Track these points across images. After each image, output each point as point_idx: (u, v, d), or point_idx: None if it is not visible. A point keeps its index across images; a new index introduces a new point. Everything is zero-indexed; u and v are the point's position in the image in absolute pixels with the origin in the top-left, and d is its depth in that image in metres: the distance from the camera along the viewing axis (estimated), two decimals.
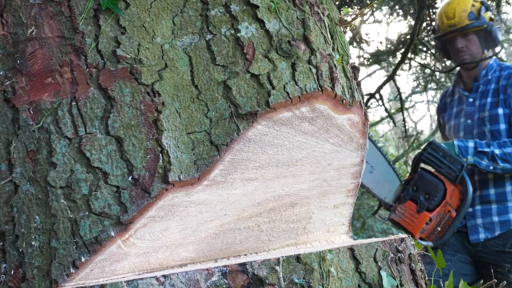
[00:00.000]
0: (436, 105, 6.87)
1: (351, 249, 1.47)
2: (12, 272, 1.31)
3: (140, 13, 1.42)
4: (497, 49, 3.47)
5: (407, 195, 3.18)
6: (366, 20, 8.17)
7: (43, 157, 1.34)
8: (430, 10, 6.25)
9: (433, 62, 7.43)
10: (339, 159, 1.72)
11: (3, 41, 1.38)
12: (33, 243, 1.31)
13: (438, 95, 11.05)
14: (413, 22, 6.56)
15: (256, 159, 1.49)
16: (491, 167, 3.12)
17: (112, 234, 1.31)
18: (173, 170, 1.36)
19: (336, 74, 1.59)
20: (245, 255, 1.59)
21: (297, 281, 1.33)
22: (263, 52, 1.48)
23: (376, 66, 8.92)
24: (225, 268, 1.28)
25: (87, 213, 1.31)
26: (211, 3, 1.48)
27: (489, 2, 6.78)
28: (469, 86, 3.51)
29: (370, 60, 7.54)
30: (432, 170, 3.21)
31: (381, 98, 7.12)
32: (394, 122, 7.59)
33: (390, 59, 7.68)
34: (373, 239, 1.61)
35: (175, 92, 1.41)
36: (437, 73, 7.74)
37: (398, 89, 6.96)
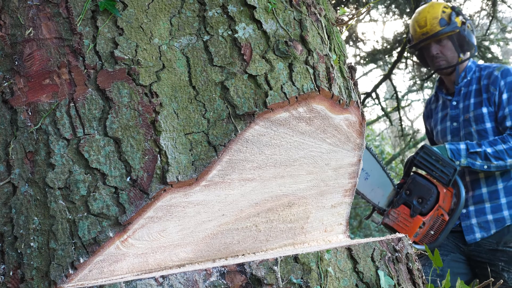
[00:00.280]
0: None
1: (349, 249, 1.47)
2: (10, 273, 1.31)
3: (138, 14, 1.43)
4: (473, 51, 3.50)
5: (400, 199, 3.20)
6: (362, 19, 8.17)
7: (42, 158, 1.34)
8: None
9: None
10: (336, 159, 1.72)
11: (1, 43, 1.39)
12: (31, 244, 1.31)
13: None
14: (409, 21, 6.56)
15: (253, 159, 1.49)
16: (485, 166, 3.14)
17: (111, 235, 1.32)
18: (171, 171, 1.36)
19: (333, 74, 1.59)
20: (243, 255, 1.59)
21: (295, 281, 1.33)
22: (260, 52, 1.49)
23: (372, 65, 8.93)
24: (223, 269, 1.28)
25: (85, 214, 1.32)
26: (208, 4, 1.48)
27: (485, 1, 6.80)
28: (451, 90, 3.55)
29: (367, 59, 7.55)
30: (425, 174, 3.23)
31: (377, 97, 7.14)
32: (390, 120, 7.60)
33: (386, 58, 7.68)
34: (371, 239, 1.61)
35: (173, 93, 1.41)
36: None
37: (394, 88, 6.97)
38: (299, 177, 1.64)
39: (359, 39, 7.53)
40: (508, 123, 3.17)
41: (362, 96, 7.19)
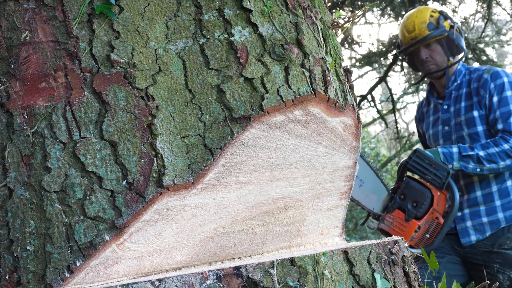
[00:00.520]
0: None
1: (345, 252, 1.47)
2: (7, 277, 1.31)
3: (134, 17, 1.43)
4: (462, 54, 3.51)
5: (395, 204, 3.21)
6: (358, 21, 8.19)
7: (38, 161, 1.34)
8: None
9: None
10: (332, 162, 1.73)
11: None
12: (28, 247, 1.31)
13: None
14: None
15: (250, 162, 1.50)
16: (478, 169, 3.15)
17: (107, 238, 1.32)
18: (167, 174, 1.36)
19: (329, 78, 1.60)
20: (240, 258, 1.59)
21: (292, 284, 1.33)
22: (257, 56, 1.49)
23: (368, 68, 8.95)
24: (219, 272, 1.28)
25: (81, 217, 1.32)
26: (204, 7, 1.49)
27: (480, 4, 6.83)
28: (442, 94, 3.56)
29: (362, 62, 7.57)
30: (418, 178, 3.24)
31: (373, 99, 7.15)
32: (386, 123, 7.62)
33: (382, 60, 7.70)
34: (367, 242, 1.62)
35: (169, 96, 1.41)
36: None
37: (390, 90, 6.99)
38: (295, 180, 1.64)
39: (354, 42, 7.54)
40: (499, 126, 3.18)
41: (358, 99, 7.21)
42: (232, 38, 1.48)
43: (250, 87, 1.46)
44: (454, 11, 7.40)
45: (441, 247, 3.38)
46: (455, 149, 3.18)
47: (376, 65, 8.21)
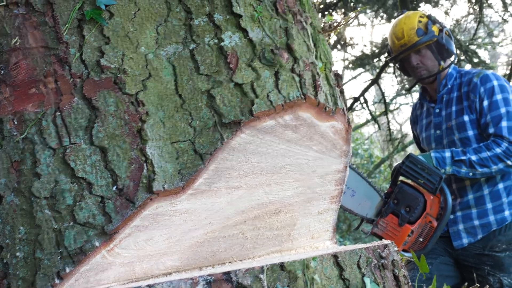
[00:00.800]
0: None
1: (335, 256, 1.48)
2: None
3: (124, 23, 1.43)
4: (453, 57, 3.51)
5: (388, 209, 3.22)
6: (350, 23, 8.21)
7: (28, 167, 1.34)
8: None
9: None
10: (322, 166, 1.73)
11: None
12: (17, 254, 1.31)
13: None
14: None
15: (240, 167, 1.50)
16: (471, 174, 3.16)
17: (97, 244, 1.32)
18: (157, 180, 1.37)
19: (319, 82, 1.60)
20: (230, 262, 1.60)
21: None
22: (247, 61, 1.49)
23: (360, 69, 8.97)
24: (209, 277, 1.28)
25: (71, 223, 1.32)
26: (194, 13, 1.49)
27: (472, 6, 6.86)
28: (434, 98, 3.56)
29: (355, 64, 7.59)
30: (411, 182, 3.25)
31: (365, 101, 7.17)
32: (378, 125, 7.64)
33: (375, 62, 7.72)
34: (357, 246, 1.62)
35: (159, 101, 1.42)
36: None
37: (382, 93, 7.00)
38: (286, 184, 1.65)
39: (347, 44, 7.56)
40: (491, 130, 3.18)
41: (350, 101, 7.22)
42: (222, 43, 1.48)
43: (240, 92, 1.46)
44: (446, 13, 7.43)
45: (434, 249, 3.38)
46: (447, 154, 3.19)
47: (369, 67, 8.24)
